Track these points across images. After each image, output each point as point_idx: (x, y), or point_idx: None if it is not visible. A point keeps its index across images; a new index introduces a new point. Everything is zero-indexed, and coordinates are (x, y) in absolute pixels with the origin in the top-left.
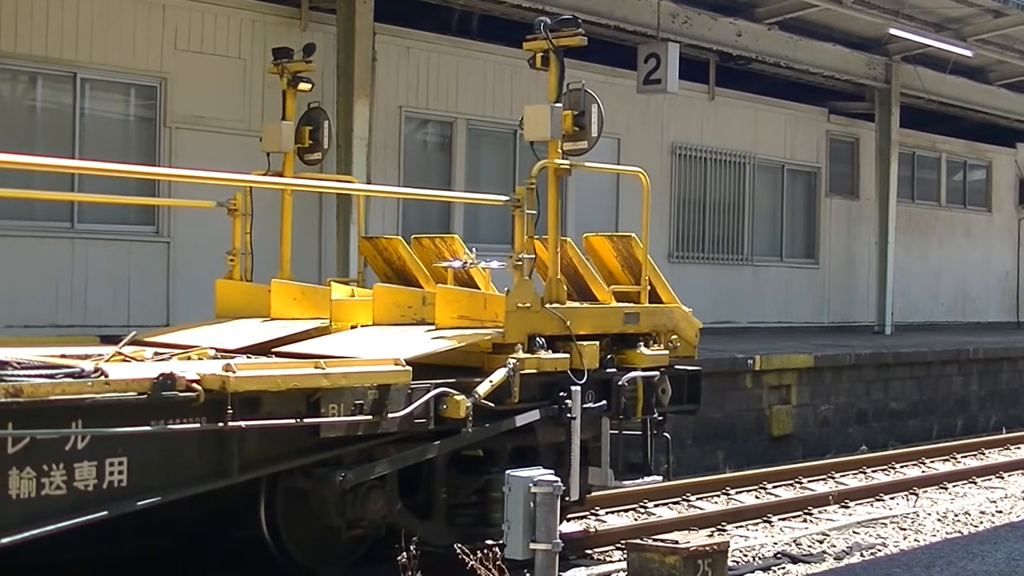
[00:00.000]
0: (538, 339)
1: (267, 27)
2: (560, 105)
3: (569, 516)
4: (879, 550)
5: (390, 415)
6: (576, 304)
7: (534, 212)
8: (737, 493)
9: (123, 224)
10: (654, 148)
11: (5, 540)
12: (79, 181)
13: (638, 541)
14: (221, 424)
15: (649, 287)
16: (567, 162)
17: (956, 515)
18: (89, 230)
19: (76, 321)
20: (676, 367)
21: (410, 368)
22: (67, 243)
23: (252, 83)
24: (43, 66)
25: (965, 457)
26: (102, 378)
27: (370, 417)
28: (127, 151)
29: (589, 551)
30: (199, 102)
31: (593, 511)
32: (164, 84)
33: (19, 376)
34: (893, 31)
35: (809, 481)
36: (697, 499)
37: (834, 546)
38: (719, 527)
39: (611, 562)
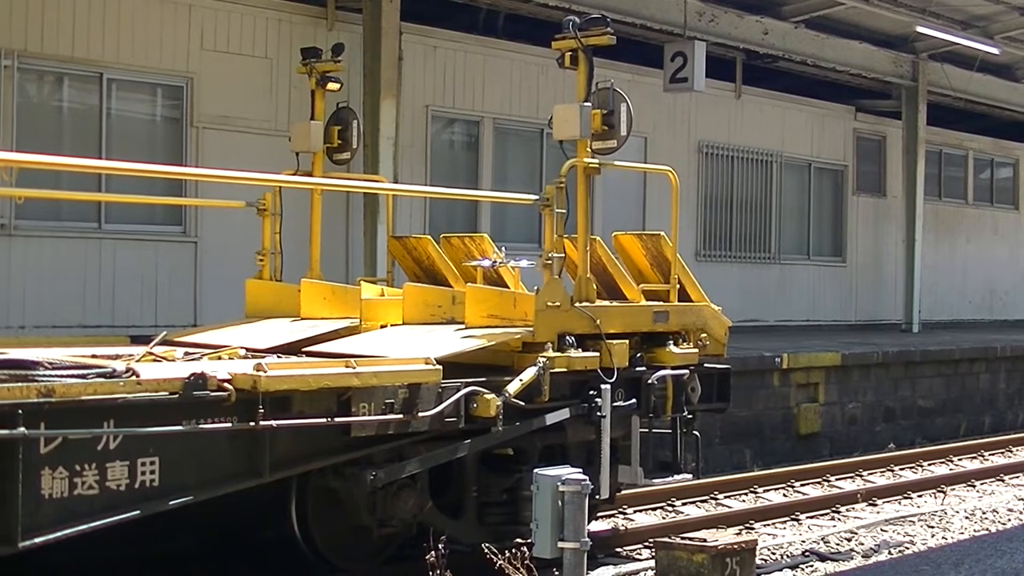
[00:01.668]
0: (568, 338)
1: (293, 27)
2: (589, 104)
3: (598, 514)
4: (907, 548)
5: (421, 414)
6: (606, 303)
7: (564, 211)
8: (765, 491)
9: (150, 224)
10: (681, 147)
11: (38, 540)
12: (106, 181)
13: (666, 539)
14: (252, 423)
15: (679, 285)
16: (596, 161)
17: (984, 513)
18: (116, 230)
19: (104, 321)
20: (705, 365)
21: (440, 367)
22: (95, 243)
23: (279, 83)
24: (70, 66)
25: (993, 455)
26: (134, 378)
27: (401, 416)
28: (154, 151)
29: (618, 549)
30: (226, 102)
31: (621, 509)
32: (190, 84)
33: (51, 376)
34: (920, 29)
35: (837, 479)
36: (725, 497)
37: (862, 544)
38: (747, 525)
39: (639, 560)
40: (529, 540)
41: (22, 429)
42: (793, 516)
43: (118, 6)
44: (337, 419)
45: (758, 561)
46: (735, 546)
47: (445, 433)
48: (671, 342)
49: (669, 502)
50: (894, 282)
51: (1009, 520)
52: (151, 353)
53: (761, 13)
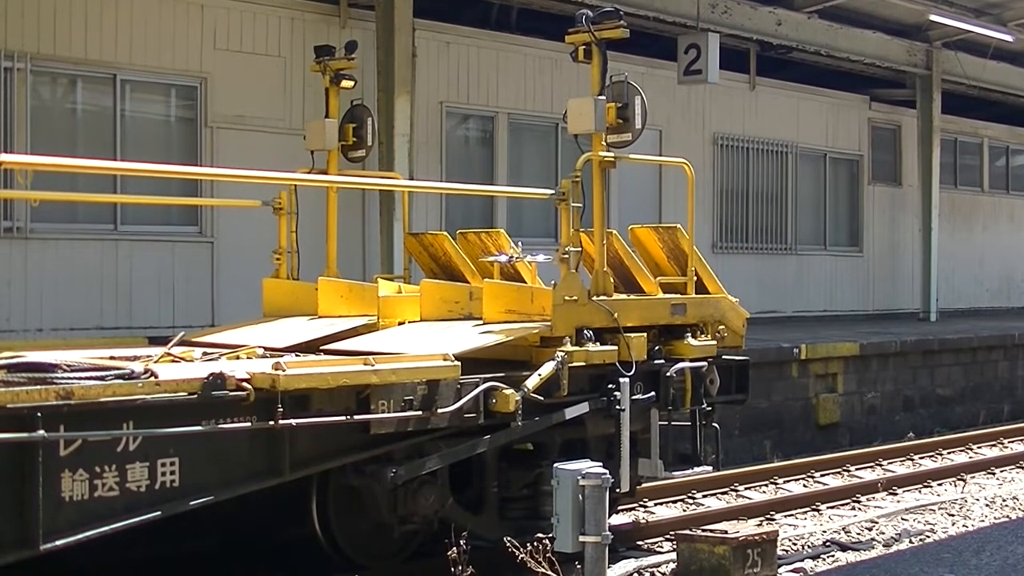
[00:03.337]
0: (586, 332)
1: (306, 25)
2: (603, 98)
3: (619, 508)
4: (928, 536)
5: (440, 410)
6: (623, 296)
7: (580, 205)
8: (785, 482)
9: (166, 225)
10: (696, 139)
11: (59, 542)
12: (121, 183)
13: (687, 532)
14: (272, 422)
15: (695, 278)
16: (611, 154)
17: (1004, 500)
18: (132, 232)
19: (121, 323)
20: (724, 357)
21: (459, 363)
22: (111, 245)
23: (292, 81)
24: (83, 68)
25: (1012, 442)
26: (152, 379)
27: (420, 413)
28: (168, 152)
29: (639, 542)
30: (239, 101)
31: (642, 502)
32: (204, 84)
33: (70, 379)
34: (933, 17)
35: (857, 469)
36: (745, 489)
37: (883, 533)
38: (768, 516)
39: (661, 553)
40: (551, 534)
41: (41, 432)
42: (814, 506)
43: (131, 7)
44: (356, 417)
45: (779, 552)
46: (756, 537)
47: (465, 429)
48: (689, 334)
49: (690, 494)
50: (911, 271)
51: None
52: (169, 354)
53: (774, 4)
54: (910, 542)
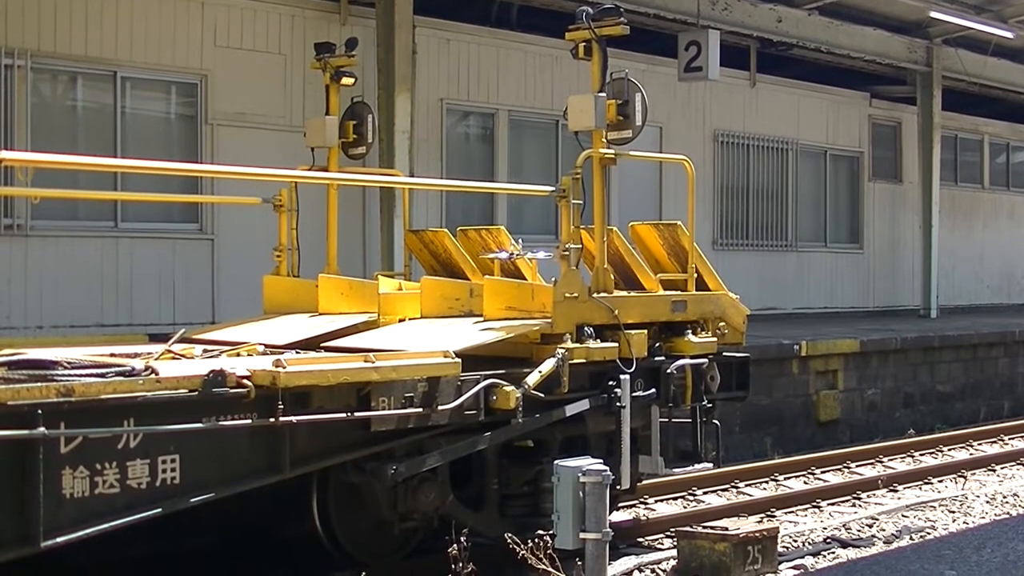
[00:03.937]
0: (586, 328)
1: (306, 22)
2: (604, 94)
3: (619, 505)
4: (929, 533)
5: (440, 407)
6: (623, 293)
7: (580, 202)
8: (786, 479)
9: (167, 222)
10: (696, 136)
11: (60, 539)
12: (122, 180)
13: (688, 529)
14: (272, 419)
15: (696, 275)
16: (612, 151)
17: (1005, 497)
18: (133, 229)
19: (122, 320)
20: (724, 354)
21: (459, 360)
22: (111, 242)
23: (292, 79)
24: (83, 65)
25: (1013, 439)
26: (153, 376)
27: (420, 410)
28: (169, 149)
29: (639, 539)
30: (240, 99)
31: (643, 499)
32: (204, 81)
33: (70, 376)
34: (934, 14)
35: (857, 466)
36: (746, 486)
37: (883, 530)
38: (768, 513)
39: (661, 550)
40: (551, 531)
41: (42, 429)
42: (814, 503)
43: (131, 5)
44: (357, 414)
45: (780, 549)
46: (757, 534)
47: (465, 426)
48: (689, 331)
49: (690, 491)
50: (911, 268)
51: None
52: (170, 351)
53: (774, 1)
54: (911, 539)
